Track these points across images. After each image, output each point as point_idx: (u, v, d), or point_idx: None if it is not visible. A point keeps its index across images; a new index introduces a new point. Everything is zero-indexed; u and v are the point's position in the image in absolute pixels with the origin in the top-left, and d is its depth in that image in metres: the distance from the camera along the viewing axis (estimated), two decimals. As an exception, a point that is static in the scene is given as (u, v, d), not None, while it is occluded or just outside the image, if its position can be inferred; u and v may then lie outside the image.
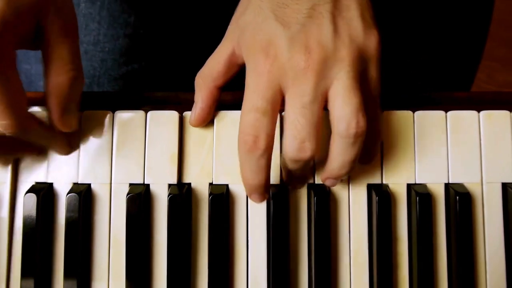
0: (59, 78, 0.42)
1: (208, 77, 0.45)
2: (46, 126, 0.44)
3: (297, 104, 0.38)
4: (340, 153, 0.40)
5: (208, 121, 0.46)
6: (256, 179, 0.41)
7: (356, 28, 0.40)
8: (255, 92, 0.39)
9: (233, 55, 0.43)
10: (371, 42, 0.40)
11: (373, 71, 0.41)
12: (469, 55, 0.66)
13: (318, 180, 0.46)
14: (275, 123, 0.40)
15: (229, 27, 0.44)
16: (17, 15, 0.39)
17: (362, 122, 0.38)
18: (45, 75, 0.42)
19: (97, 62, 0.62)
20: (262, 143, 0.39)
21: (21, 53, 0.65)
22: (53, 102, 0.42)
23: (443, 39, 0.63)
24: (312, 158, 0.40)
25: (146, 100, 0.49)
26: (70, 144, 0.46)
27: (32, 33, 0.42)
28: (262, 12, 0.40)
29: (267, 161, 0.40)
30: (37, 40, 0.43)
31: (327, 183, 0.44)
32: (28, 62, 0.64)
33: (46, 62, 0.42)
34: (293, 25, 0.39)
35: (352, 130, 0.38)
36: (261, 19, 0.40)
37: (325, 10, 0.39)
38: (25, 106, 0.42)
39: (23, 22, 0.40)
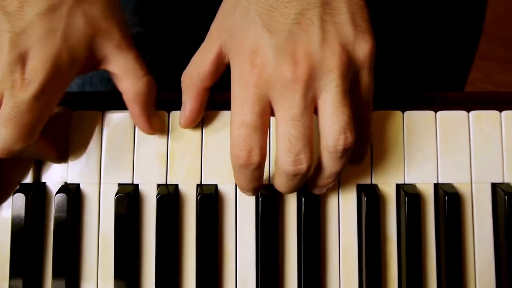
0: (136, 86, 0.43)
1: (195, 78, 0.43)
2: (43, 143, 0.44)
3: (287, 117, 0.37)
4: (327, 166, 0.39)
5: (197, 122, 0.46)
6: (250, 185, 0.41)
7: (346, 34, 0.38)
8: (244, 106, 0.38)
9: (220, 54, 0.42)
10: (362, 48, 0.38)
11: (365, 76, 0.40)
12: (463, 54, 0.66)
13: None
14: (267, 135, 0.39)
15: (213, 24, 0.43)
16: (73, 55, 0.41)
17: (350, 139, 0.38)
18: (120, 87, 0.44)
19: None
20: (255, 158, 0.38)
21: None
22: (139, 109, 0.43)
23: (436, 39, 0.63)
24: (308, 169, 0.39)
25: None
26: (59, 155, 0.46)
27: (90, 61, 0.43)
28: (249, 15, 0.38)
29: (261, 172, 0.40)
30: (96, 63, 0.43)
31: (315, 191, 0.44)
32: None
33: (116, 77, 0.44)
34: (281, 32, 0.37)
35: (340, 146, 0.38)
36: (248, 24, 0.38)
37: (314, 15, 0.37)
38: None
39: (79, 57, 0.41)
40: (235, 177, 0.41)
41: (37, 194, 0.45)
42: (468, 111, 0.47)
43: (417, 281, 0.44)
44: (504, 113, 0.46)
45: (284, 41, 0.37)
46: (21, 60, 0.39)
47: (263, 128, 0.38)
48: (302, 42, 0.37)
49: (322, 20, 0.38)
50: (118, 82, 0.44)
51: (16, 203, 0.44)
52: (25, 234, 0.44)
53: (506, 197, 0.44)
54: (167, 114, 0.46)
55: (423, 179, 0.46)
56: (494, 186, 0.46)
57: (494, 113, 0.47)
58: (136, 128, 0.46)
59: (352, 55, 0.38)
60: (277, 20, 0.38)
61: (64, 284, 0.44)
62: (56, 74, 0.40)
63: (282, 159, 0.38)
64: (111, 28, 0.43)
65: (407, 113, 0.47)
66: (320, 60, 0.37)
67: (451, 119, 0.46)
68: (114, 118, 0.46)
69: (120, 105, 0.47)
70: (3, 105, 0.39)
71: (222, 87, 0.46)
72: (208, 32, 0.43)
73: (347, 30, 0.38)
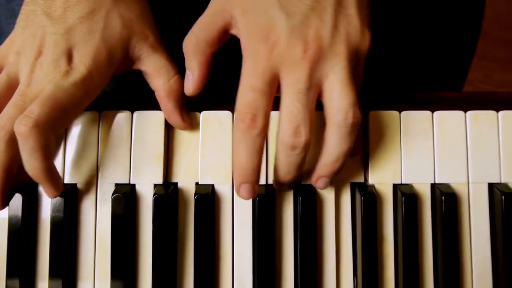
0: (169, 84, 0.45)
1: (202, 43, 0.44)
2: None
3: (293, 89, 0.40)
4: (336, 144, 0.41)
5: (203, 89, 0.45)
6: (250, 161, 0.41)
7: (355, 26, 0.41)
8: (253, 75, 0.40)
9: (228, 24, 0.43)
10: (365, 42, 0.41)
11: (360, 69, 0.43)
12: (461, 54, 0.66)
13: (303, 180, 0.46)
14: (271, 105, 0.41)
15: None
16: (111, 54, 0.44)
17: (358, 113, 0.40)
18: (154, 86, 0.46)
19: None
20: (260, 122, 0.40)
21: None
22: (173, 106, 0.45)
23: (434, 39, 0.63)
24: (306, 144, 0.40)
25: (137, 99, 0.49)
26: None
27: (125, 62, 0.45)
28: None
29: (262, 142, 0.41)
30: (130, 63, 0.46)
31: (320, 183, 0.44)
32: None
33: (150, 76, 0.46)
34: (297, 16, 0.40)
35: (350, 119, 0.40)
36: (267, 5, 0.41)
37: (328, 5, 0.41)
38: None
39: (116, 57, 0.44)
40: (235, 151, 0.41)
41: (33, 194, 0.45)
42: (466, 111, 0.47)
43: (414, 282, 0.44)
44: (501, 113, 0.46)
45: (299, 23, 0.40)
46: (65, 56, 0.42)
47: (270, 95, 0.40)
48: (315, 26, 0.40)
49: (335, 11, 0.41)
50: (151, 80, 0.46)
51: (13, 203, 0.44)
52: (22, 234, 0.44)
53: (503, 197, 0.44)
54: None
55: (420, 179, 0.46)
56: (491, 186, 0.46)
57: (491, 113, 0.47)
58: (133, 128, 0.46)
59: (357, 45, 0.41)
60: (294, 5, 0.40)
61: (61, 284, 0.44)
62: (95, 69, 0.43)
63: (283, 129, 0.40)
64: (145, 30, 0.45)
65: (403, 113, 0.47)
66: (329, 44, 0.40)
67: (448, 119, 0.46)
68: (111, 118, 0.46)
69: (118, 105, 0.48)
70: (45, 89, 0.41)
71: (217, 84, 0.46)
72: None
73: (356, 22, 0.41)
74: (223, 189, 0.46)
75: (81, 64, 0.42)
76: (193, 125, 0.47)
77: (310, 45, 0.40)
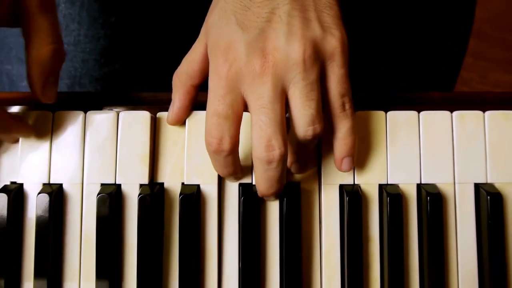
0: (41, 50, 0.43)
1: (184, 76, 0.45)
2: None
3: (257, 105, 0.40)
4: (298, 151, 0.43)
5: (184, 120, 0.46)
6: (226, 171, 0.43)
7: (313, 28, 0.40)
8: (216, 97, 0.40)
9: (206, 54, 0.44)
10: (330, 42, 0.40)
11: (336, 69, 0.41)
12: (452, 54, 0.66)
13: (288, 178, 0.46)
14: (239, 125, 0.41)
15: (203, 26, 0.45)
16: None
17: (318, 129, 0.41)
18: (27, 48, 0.43)
19: (78, 63, 0.62)
20: (226, 145, 0.40)
21: (2, 54, 0.65)
22: (35, 74, 0.43)
23: (425, 38, 0.63)
24: (281, 157, 0.40)
25: (122, 100, 0.50)
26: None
27: (11, 10, 0.43)
28: (225, 14, 0.41)
29: (233, 158, 0.42)
30: (15, 16, 0.44)
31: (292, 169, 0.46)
32: (10, 62, 0.64)
33: (27, 36, 0.43)
34: (252, 30, 0.40)
35: (309, 137, 0.41)
36: (224, 22, 0.41)
37: (283, 13, 0.40)
38: None
39: (1, 1, 0.42)
40: (212, 163, 0.44)
41: (18, 194, 0.46)
42: (452, 112, 0.47)
43: (399, 282, 0.44)
44: (487, 113, 0.46)
45: (254, 37, 0.40)
46: None
47: (234, 117, 0.40)
48: (270, 38, 0.40)
49: (290, 16, 0.40)
50: (26, 42, 0.43)
51: (-2, 203, 0.44)
52: (7, 234, 0.44)
53: (489, 197, 0.44)
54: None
55: (406, 179, 0.46)
56: (477, 186, 0.46)
57: (477, 113, 0.46)
58: (119, 129, 0.46)
59: (319, 49, 0.40)
60: (250, 19, 0.40)
61: (46, 284, 0.44)
62: None
63: (255, 146, 0.40)
64: None
65: (389, 113, 0.46)
66: (286, 54, 0.39)
67: (434, 119, 0.46)
68: (97, 118, 0.46)
69: (105, 106, 0.48)
70: None
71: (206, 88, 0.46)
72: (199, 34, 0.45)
73: (314, 25, 0.40)
74: (209, 189, 0.46)
75: None
76: (52, 99, 0.45)
77: (267, 58, 0.39)
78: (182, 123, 0.47)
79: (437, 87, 0.65)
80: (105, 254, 0.44)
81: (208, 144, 0.41)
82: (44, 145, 0.46)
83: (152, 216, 0.44)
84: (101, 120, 0.46)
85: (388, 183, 0.46)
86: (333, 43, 0.40)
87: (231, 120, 0.40)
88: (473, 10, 0.66)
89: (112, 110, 0.47)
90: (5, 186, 0.45)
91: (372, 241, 0.46)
